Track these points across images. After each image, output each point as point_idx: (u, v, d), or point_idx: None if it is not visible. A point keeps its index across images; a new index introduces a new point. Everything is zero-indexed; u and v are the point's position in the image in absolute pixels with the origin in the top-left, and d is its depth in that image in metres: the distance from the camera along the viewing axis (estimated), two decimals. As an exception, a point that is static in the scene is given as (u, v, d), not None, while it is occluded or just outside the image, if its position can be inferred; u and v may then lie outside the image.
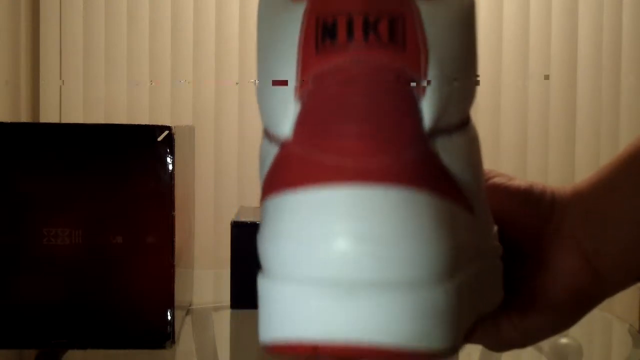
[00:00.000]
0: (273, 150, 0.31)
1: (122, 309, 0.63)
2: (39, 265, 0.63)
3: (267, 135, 0.32)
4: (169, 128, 0.63)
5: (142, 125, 0.63)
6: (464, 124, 0.33)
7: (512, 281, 0.41)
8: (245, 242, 0.77)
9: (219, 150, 1.71)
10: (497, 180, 0.42)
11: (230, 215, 1.00)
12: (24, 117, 1.63)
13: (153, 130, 0.63)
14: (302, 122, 0.30)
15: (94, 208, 0.63)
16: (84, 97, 1.69)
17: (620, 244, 0.40)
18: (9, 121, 0.65)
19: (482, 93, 1.71)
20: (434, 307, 0.29)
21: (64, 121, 1.68)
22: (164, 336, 0.64)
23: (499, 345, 0.42)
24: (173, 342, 0.64)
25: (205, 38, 1.70)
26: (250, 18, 1.69)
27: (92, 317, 0.63)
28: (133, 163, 0.63)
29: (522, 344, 0.42)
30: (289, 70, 0.31)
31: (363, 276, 0.28)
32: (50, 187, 0.63)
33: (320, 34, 0.30)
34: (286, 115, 0.31)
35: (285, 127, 0.31)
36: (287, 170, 0.30)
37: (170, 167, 0.63)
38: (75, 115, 1.68)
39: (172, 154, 0.63)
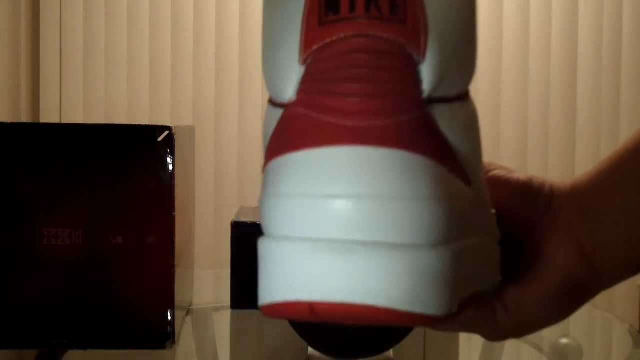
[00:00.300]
0: (277, 114, 0.32)
1: (122, 309, 0.63)
2: (39, 265, 0.63)
3: (272, 103, 0.33)
4: (169, 128, 0.63)
5: (142, 125, 0.63)
6: (463, 97, 0.33)
7: (509, 272, 0.41)
8: (245, 242, 0.77)
9: (219, 150, 1.71)
10: (497, 172, 0.43)
11: (230, 215, 1.00)
12: (24, 117, 1.63)
13: (153, 130, 0.63)
14: (305, 82, 0.31)
15: (94, 208, 0.63)
16: (84, 97, 1.69)
17: (617, 238, 0.40)
18: (9, 121, 0.65)
19: (482, 93, 1.71)
20: (429, 270, 0.29)
21: (64, 121, 1.68)
22: (164, 336, 0.64)
23: (495, 334, 0.43)
24: (173, 342, 0.64)
25: (205, 38, 1.70)
26: (250, 18, 1.69)
27: (92, 317, 0.63)
28: (133, 163, 0.63)
29: (517, 334, 0.43)
30: (293, 40, 0.31)
31: (359, 236, 0.29)
32: (50, 187, 0.63)
33: (324, 7, 0.31)
34: (290, 80, 0.31)
35: (289, 90, 0.31)
36: (289, 131, 0.31)
37: (170, 167, 0.63)
38: (75, 115, 1.68)
39: (172, 154, 0.63)
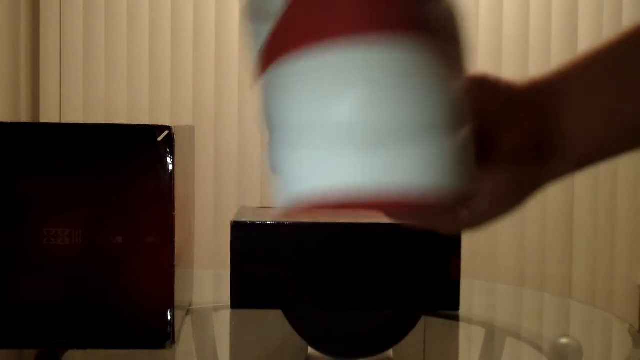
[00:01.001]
0: (266, 27, 0.32)
1: (122, 309, 0.63)
2: (39, 265, 0.63)
3: (256, 18, 0.33)
4: (169, 128, 0.63)
5: (142, 125, 0.63)
6: None
7: None
8: (245, 242, 0.77)
9: (219, 150, 1.71)
10: None
11: (230, 215, 0.99)
12: (24, 117, 1.63)
13: (153, 130, 0.63)
14: None
15: (94, 208, 0.63)
16: (84, 97, 1.69)
17: (574, 129, 0.42)
18: (9, 121, 0.65)
19: (482, 93, 1.71)
20: (447, 154, 0.31)
21: (64, 121, 1.68)
22: (164, 336, 0.64)
23: (453, 228, 0.45)
24: (173, 342, 0.64)
25: (205, 38, 1.70)
26: (250, 18, 1.69)
27: (92, 317, 0.63)
28: (133, 163, 0.63)
29: (474, 226, 0.44)
30: None
31: (379, 133, 0.30)
32: (50, 187, 0.63)
33: None
34: None
35: None
36: (287, 37, 0.31)
37: (170, 167, 0.63)
38: (75, 115, 1.68)
39: (172, 154, 0.63)
